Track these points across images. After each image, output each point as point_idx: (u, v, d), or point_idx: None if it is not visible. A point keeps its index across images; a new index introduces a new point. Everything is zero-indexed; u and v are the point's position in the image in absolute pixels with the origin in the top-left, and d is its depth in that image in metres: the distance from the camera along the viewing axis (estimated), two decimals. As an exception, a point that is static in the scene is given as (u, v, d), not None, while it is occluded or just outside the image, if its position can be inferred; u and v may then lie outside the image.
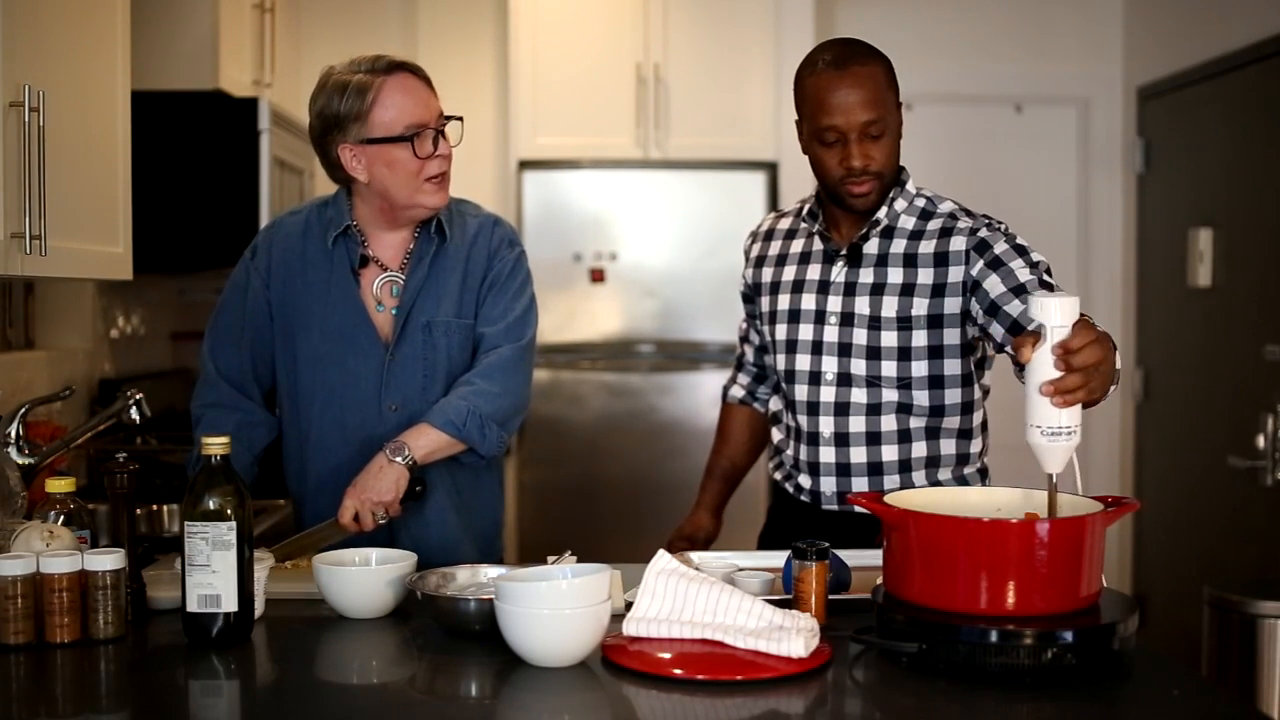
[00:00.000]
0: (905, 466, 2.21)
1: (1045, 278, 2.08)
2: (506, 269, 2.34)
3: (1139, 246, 4.63)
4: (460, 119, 2.27)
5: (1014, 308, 2.05)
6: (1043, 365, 1.60)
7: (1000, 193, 4.72)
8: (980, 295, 2.09)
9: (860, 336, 2.19)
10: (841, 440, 2.22)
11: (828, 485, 2.24)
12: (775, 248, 2.35)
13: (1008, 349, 1.99)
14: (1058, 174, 4.83)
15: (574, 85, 4.33)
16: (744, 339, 2.51)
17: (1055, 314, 1.61)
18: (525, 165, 4.34)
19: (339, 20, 4.48)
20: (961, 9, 4.75)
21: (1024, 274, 2.07)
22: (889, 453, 2.20)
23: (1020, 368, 1.70)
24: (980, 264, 2.11)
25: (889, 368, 2.18)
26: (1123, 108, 4.71)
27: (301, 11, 4.41)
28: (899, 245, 2.18)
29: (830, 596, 1.80)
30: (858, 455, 2.22)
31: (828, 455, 2.24)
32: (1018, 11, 4.76)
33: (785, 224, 2.38)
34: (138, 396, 2.43)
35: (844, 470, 2.23)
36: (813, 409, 2.24)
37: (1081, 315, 1.64)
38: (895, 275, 2.17)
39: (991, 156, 4.79)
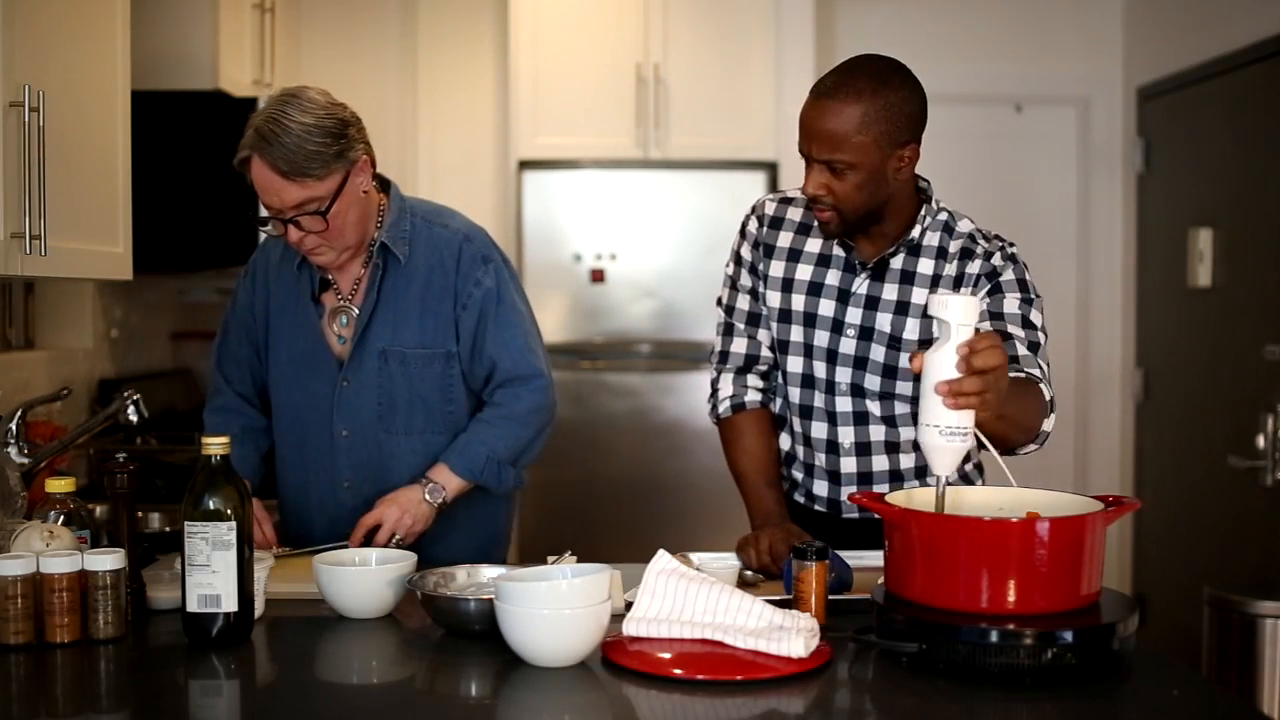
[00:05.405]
0: (921, 473, 2.19)
1: (1031, 314, 2.07)
2: (492, 295, 2.29)
3: (1139, 246, 4.62)
4: (323, 214, 2.12)
5: (982, 329, 2.04)
6: (944, 363, 1.61)
7: (1000, 193, 4.73)
8: None
9: (878, 354, 2.14)
10: (863, 450, 2.19)
11: (847, 494, 2.18)
12: (786, 240, 2.23)
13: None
14: (1058, 174, 4.83)
15: (574, 85, 4.33)
16: (750, 336, 2.27)
17: (959, 311, 1.62)
18: (525, 165, 4.34)
19: (339, 20, 4.47)
20: (961, 9, 4.75)
21: (1012, 305, 2.08)
22: (906, 460, 2.19)
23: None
24: (985, 289, 2.11)
25: (904, 387, 2.14)
26: (1123, 108, 4.71)
27: (301, 11, 4.40)
28: (926, 265, 2.13)
29: (831, 596, 1.80)
30: (879, 464, 2.19)
31: (849, 465, 2.20)
32: (1018, 11, 4.76)
33: (797, 215, 2.25)
34: (135, 397, 2.45)
35: (865, 479, 2.20)
36: (832, 419, 2.19)
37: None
38: (919, 295, 2.12)
39: (991, 156, 4.79)
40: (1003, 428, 1.85)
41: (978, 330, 1.66)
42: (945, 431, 1.63)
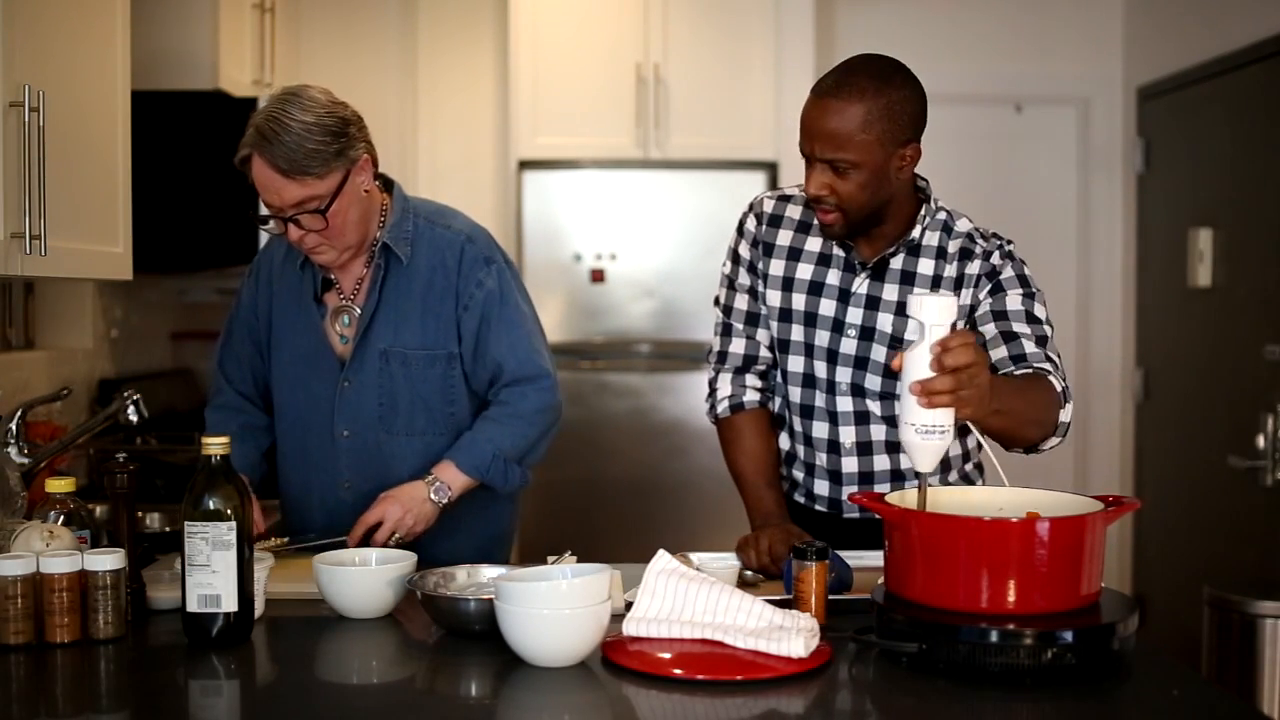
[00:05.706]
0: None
1: (1035, 309, 2.08)
2: (495, 297, 2.28)
3: (1139, 246, 4.62)
4: (323, 212, 2.12)
5: (988, 330, 2.06)
6: (919, 362, 1.64)
7: (1000, 193, 4.73)
8: (974, 314, 2.11)
9: (879, 354, 2.13)
10: (864, 449, 2.19)
11: (849, 494, 2.18)
12: (785, 238, 2.22)
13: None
14: (1058, 174, 4.83)
15: (574, 85, 4.33)
16: (748, 336, 2.26)
17: (933, 311, 1.65)
18: (525, 165, 4.34)
19: (339, 20, 4.47)
20: (961, 9, 4.75)
21: (1014, 302, 2.08)
22: (907, 460, 2.17)
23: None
24: (986, 289, 2.11)
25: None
26: (1123, 108, 4.71)
27: (301, 11, 4.40)
28: (926, 266, 2.13)
29: (831, 596, 1.80)
30: (881, 464, 2.19)
31: (850, 465, 2.20)
32: (1018, 11, 4.76)
33: (796, 213, 2.23)
34: (135, 397, 2.45)
35: (866, 479, 2.20)
36: (833, 418, 2.19)
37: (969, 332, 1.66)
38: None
39: (991, 156, 4.79)
40: (1002, 422, 1.86)
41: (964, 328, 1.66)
42: (921, 430, 1.66)
